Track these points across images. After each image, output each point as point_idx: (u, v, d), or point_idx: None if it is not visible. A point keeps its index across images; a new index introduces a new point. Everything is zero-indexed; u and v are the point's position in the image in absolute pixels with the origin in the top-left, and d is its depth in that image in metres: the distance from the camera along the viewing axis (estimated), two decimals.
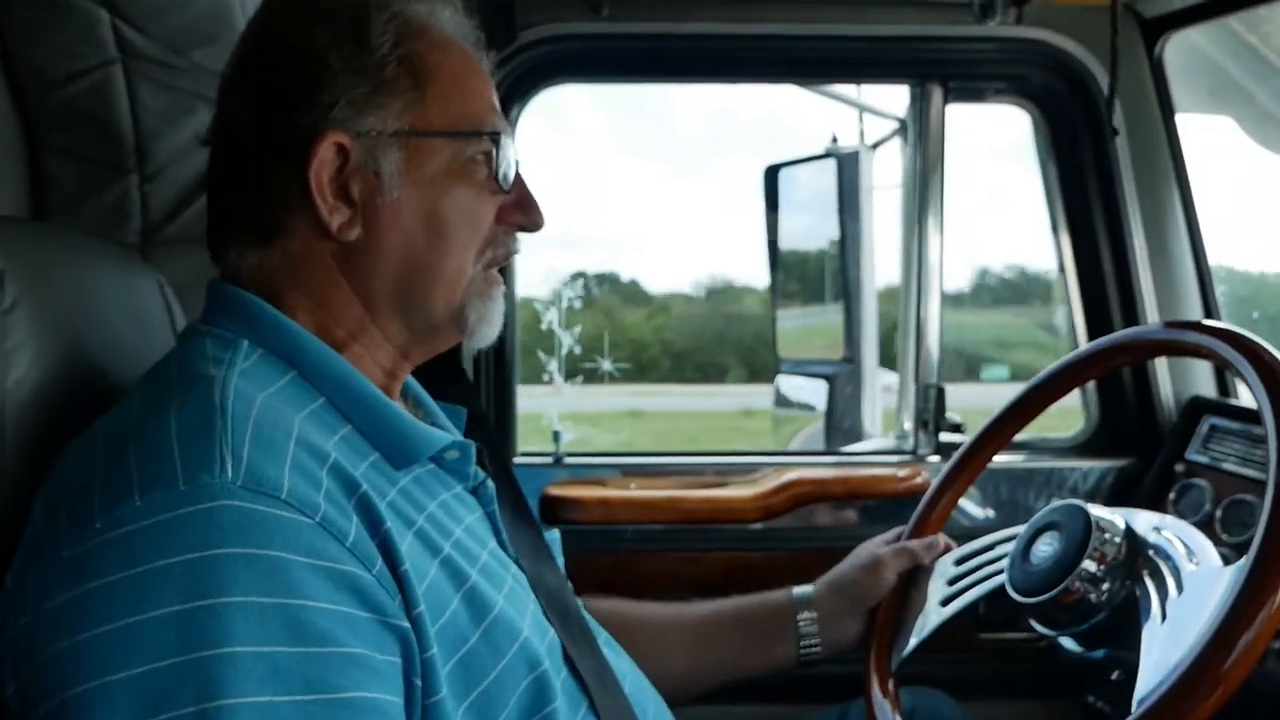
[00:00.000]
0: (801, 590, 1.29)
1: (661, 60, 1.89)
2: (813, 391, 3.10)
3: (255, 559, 0.68)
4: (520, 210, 0.92)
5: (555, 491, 1.79)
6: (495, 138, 0.88)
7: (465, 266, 0.89)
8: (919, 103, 1.92)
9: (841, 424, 2.83)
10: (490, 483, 0.95)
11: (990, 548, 1.27)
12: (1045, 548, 1.14)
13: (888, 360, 2.81)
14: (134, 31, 1.15)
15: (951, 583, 1.27)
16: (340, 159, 0.84)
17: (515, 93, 1.82)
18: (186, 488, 0.70)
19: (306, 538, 0.71)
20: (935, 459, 1.90)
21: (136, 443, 0.74)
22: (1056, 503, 1.17)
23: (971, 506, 1.90)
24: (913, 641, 1.24)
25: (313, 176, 0.83)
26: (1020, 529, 1.21)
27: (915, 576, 1.29)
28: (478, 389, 1.81)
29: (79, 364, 0.88)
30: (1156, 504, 1.66)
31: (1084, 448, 1.95)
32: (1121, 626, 1.07)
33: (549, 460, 1.89)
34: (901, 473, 1.84)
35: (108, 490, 0.72)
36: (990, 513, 1.90)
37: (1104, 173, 1.84)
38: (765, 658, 1.26)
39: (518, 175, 0.92)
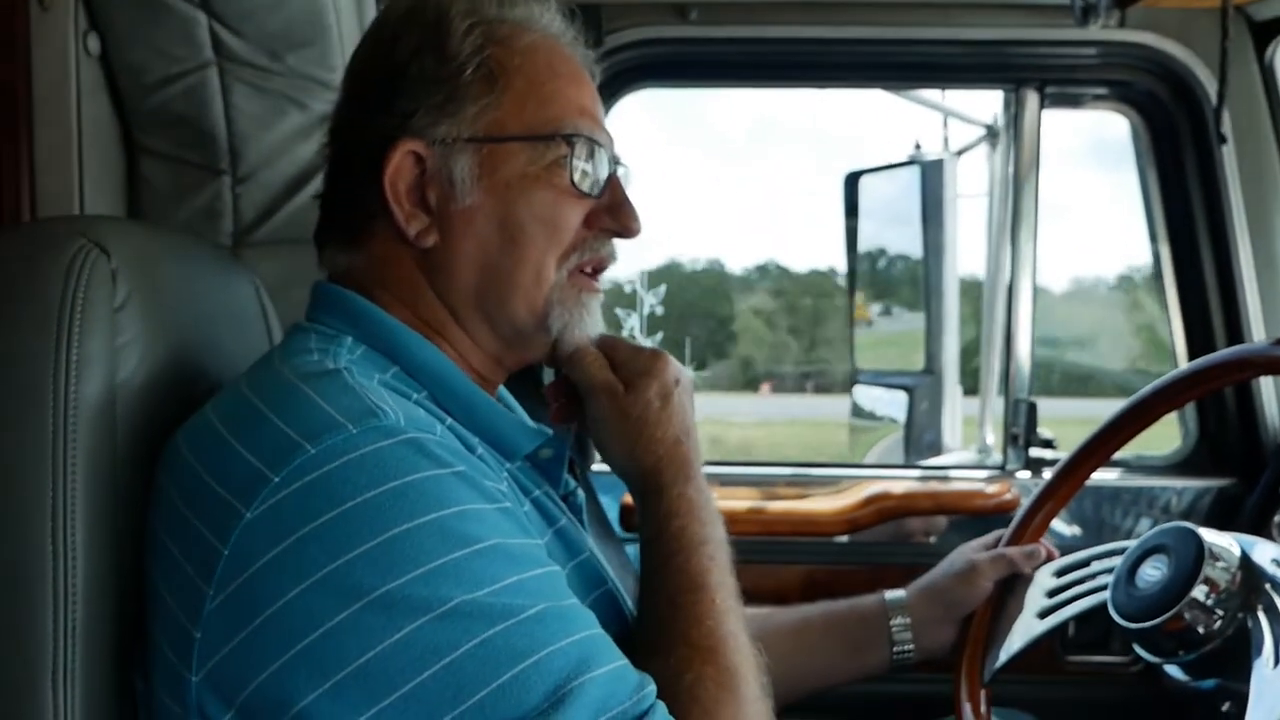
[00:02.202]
0: (894, 595, 1.26)
1: (748, 65, 1.86)
2: (890, 403, 3.05)
3: (455, 475, 0.73)
4: (611, 215, 0.89)
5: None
6: (571, 140, 0.86)
7: (545, 272, 0.86)
8: (1013, 108, 1.87)
9: (921, 436, 2.77)
10: (581, 492, 0.95)
11: (1092, 560, 1.22)
12: (1153, 571, 1.09)
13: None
14: (230, 34, 1.16)
15: (1051, 594, 1.22)
16: (419, 167, 0.84)
17: (600, 97, 1.80)
18: (360, 430, 0.72)
19: (475, 467, 0.77)
20: (1024, 474, 1.84)
21: (276, 412, 0.75)
22: (1165, 524, 1.13)
23: (1058, 523, 1.84)
24: (1003, 656, 1.20)
25: (388, 184, 0.84)
26: (1124, 544, 1.16)
27: (1013, 585, 1.25)
28: None
29: (183, 360, 0.90)
30: (1260, 528, 1.60)
31: (1181, 466, 1.87)
32: (1234, 657, 1.03)
33: None
34: (990, 488, 1.78)
35: (264, 452, 0.72)
36: (1077, 530, 1.83)
37: (1209, 182, 1.76)
38: (857, 664, 1.24)
39: (612, 179, 0.90)
